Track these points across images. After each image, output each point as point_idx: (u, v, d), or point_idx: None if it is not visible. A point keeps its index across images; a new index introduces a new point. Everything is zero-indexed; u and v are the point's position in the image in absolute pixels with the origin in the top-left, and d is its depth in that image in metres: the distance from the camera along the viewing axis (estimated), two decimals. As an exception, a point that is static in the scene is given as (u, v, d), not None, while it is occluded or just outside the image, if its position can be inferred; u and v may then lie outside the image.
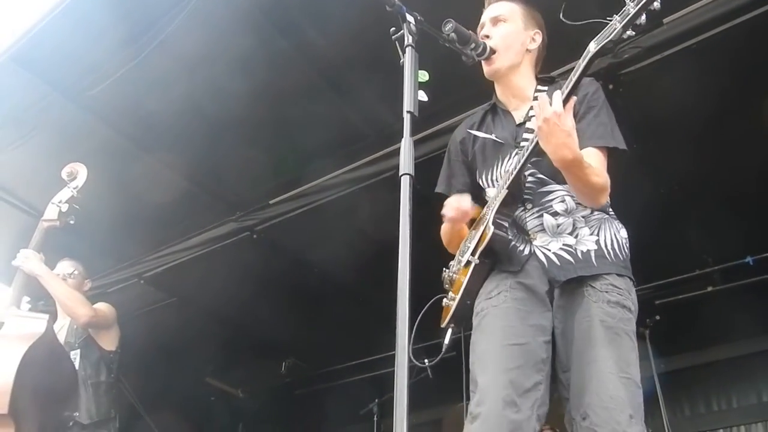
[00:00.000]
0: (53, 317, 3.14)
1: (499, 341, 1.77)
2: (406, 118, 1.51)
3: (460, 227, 2.03)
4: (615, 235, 1.87)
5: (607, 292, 1.76)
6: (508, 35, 2.01)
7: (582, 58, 1.69)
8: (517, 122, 2.01)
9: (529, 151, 1.78)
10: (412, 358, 1.88)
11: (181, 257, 4.50)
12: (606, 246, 1.83)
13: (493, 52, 1.96)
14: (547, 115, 1.65)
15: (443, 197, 2.06)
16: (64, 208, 2.97)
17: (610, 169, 1.86)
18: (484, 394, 1.71)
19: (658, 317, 3.98)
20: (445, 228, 2.08)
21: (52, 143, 3.76)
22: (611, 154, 1.87)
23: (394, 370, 1.20)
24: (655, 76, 3.06)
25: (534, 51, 2.07)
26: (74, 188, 3.02)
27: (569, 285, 1.79)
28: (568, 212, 1.87)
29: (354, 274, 4.60)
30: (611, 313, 1.73)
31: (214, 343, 5.43)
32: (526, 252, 1.87)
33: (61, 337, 3.27)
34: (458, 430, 4.41)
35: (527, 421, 1.67)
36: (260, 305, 4.96)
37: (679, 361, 4.31)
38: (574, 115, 1.76)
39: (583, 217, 1.87)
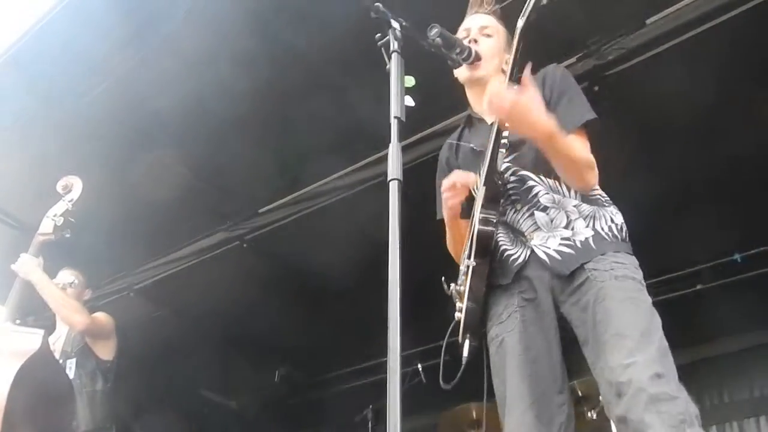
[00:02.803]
0: (50, 330, 3.12)
1: (519, 373, 1.78)
2: (394, 123, 1.51)
3: (458, 228, 2.01)
4: (611, 220, 1.85)
5: (612, 269, 1.73)
6: (493, 48, 2.03)
7: (515, 36, 1.71)
8: (490, 122, 1.99)
9: (492, 140, 1.78)
10: (442, 381, 1.89)
11: (171, 268, 4.48)
12: (603, 230, 1.82)
13: (478, 58, 1.97)
14: (507, 108, 1.68)
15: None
16: (59, 221, 2.95)
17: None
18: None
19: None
20: (448, 235, 2.07)
21: (35, 155, 3.72)
22: (589, 129, 1.87)
23: (386, 376, 1.20)
24: (640, 76, 3.09)
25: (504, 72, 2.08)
26: (69, 201, 2.99)
27: (574, 277, 1.76)
28: (557, 204, 1.85)
29: (345, 281, 4.58)
30: (621, 287, 1.70)
31: (206, 354, 5.39)
32: (521, 259, 1.85)
33: (58, 346, 3.27)
34: (453, 434, 4.40)
35: None
36: (252, 315, 4.94)
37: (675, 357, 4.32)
38: (547, 104, 1.78)
39: (575, 207, 1.85)
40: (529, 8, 1.67)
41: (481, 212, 1.81)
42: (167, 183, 3.99)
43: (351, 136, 3.61)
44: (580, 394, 3.75)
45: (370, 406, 5.00)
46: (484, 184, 1.80)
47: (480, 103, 2.07)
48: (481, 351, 1.91)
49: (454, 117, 3.32)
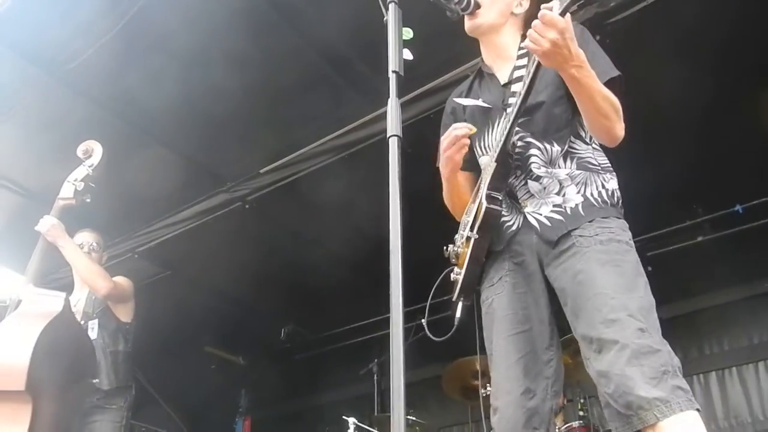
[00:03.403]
0: (68, 290, 3.16)
1: (505, 333, 1.82)
2: (392, 78, 1.48)
3: (456, 181, 1.99)
4: (602, 185, 1.84)
5: (597, 234, 1.74)
6: None
7: None
8: (502, 83, 1.97)
9: (513, 116, 1.75)
10: (428, 332, 1.93)
11: (175, 230, 4.50)
12: (593, 196, 1.81)
13: (477, 6, 1.90)
14: (553, 37, 1.55)
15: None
16: (80, 186, 2.96)
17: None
18: (498, 387, 1.81)
19: (650, 268, 4.01)
20: (444, 188, 2.04)
21: (34, 120, 3.70)
22: (617, 86, 1.78)
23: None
24: (642, 23, 3.02)
25: (521, 15, 2.00)
26: (89, 166, 3.00)
27: (562, 244, 1.77)
28: (548, 171, 1.84)
29: (348, 240, 4.62)
30: (605, 250, 1.71)
31: (212, 314, 5.47)
32: (515, 226, 1.87)
33: (79, 308, 3.32)
34: (457, 385, 4.51)
35: (542, 404, 1.74)
36: (256, 275, 4.98)
37: (671, 309, 4.37)
38: None
39: (567, 175, 1.83)
40: None
41: (488, 189, 1.81)
42: (168, 147, 3.99)
43: (340, 100, 3.59)
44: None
45: (375, 360, 5.10)
46: (496, 161, 1.80)
47: (489, 56, 2.03)
48: (473, 309, 1.96)
49: (454, 71, 3.29)
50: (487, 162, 1.88)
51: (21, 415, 2.22)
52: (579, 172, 1.84)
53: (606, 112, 1.70)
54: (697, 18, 2.98)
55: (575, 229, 1.76)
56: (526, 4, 2.00)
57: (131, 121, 3.78)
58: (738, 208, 4.22)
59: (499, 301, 1.87)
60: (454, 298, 1.94)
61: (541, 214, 1.82)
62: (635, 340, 1.55)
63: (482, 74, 2.06)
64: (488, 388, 3.90)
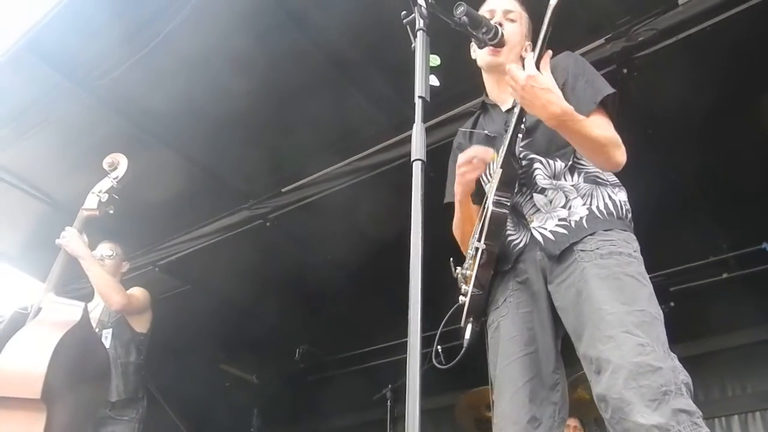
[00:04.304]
0: (87, 299, 3.21)
1: (511, 356, 1.78)
2: (418, 103, 1.49)
3: (468, 207, 2.00)
4: (609, 197, 1.82)
5: (597, 248, 1.69)
6: (515, 35, 2.01)
7: (548, 9, 1.66)
8: (505, 110, 2.02)
9: (513, 123, 1.76)
10: (435, 360, 1.92)
11: (195, 245, 4.53)
12: (598, 208, 1.79)
13: (501, 44, 1.93)
14: (522, 83, 1.66)
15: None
16: (104, 198, 3.00)
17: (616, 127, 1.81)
18: (503, 416, 1.74)
19: (672, 304, 3.95)
20: (456, 217, 2.06)
21: (63, 132, 3.78)
22: (610, 104, 1.82)
23: (406, 356, 1.20)
24: (669, 59, 3.01)
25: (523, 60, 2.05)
26: (114, 179, 3.05)
27: (564, 259, 1.74)
28: (552, 183, 1.84)
29: (367, 262, 4.60)
30: (605, 264, 1.66)
31: (228, 330, 5.47)
32: (521, 244, 1.86)
33: (95, 316, 3.36)
34: (470, 415, 4.44)
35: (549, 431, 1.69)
36: (274, 293, 4.99)
37: (693, 347, 4.28)
38: (563, 89, 1.76)
39: (573, 186, 1.83)
40: None
41: (495, 194, 1.80)
42: (192, 162, 4.04)
43: (365, 122, 3.61)
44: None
45: (389, 386, 5.05)
46: (501, 167, 1.79)
47: (496, 90, 2.07)
48: (482, 335, 1.92)
49: (472, 101, 3.31)
50: (493, 174, 1.88)
51: (35, 423, 2.23)
52: (585, 184, 1.84)
53: (599, 149, 1.74)
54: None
55: (577, 243, 1.73)
56: (528, 50, 2.06)
57: (156, 134, 3.84)
58: (765, 246, 4.14)
59: (504, 323, 1.84)
60: (462, 323, 1.91)
61: (546, 229, 1.80)
62: (632, 359, 1.46)
63: (485, 107, 2.11)
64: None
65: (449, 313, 1.96)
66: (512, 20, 2.02)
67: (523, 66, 1.71)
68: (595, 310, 1.59)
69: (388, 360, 5.46)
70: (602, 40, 2.99)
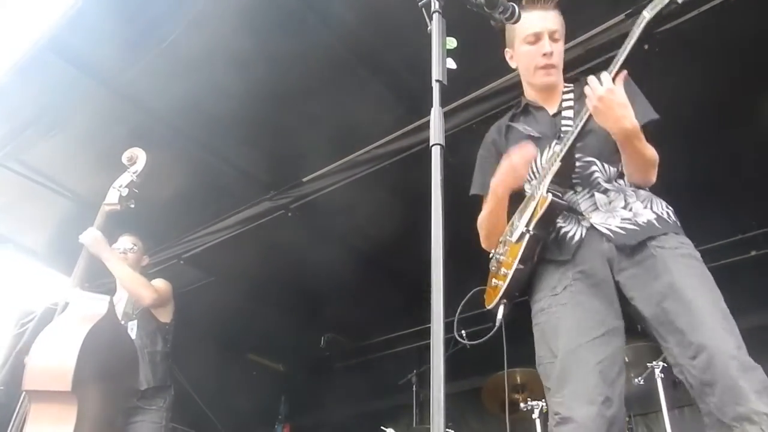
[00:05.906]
0: (111, 293, 3.27)
1: (578, 340, 1.81)
2: (435, 87, 1.47)
3: (506, 201, 2.03)
4: (666, 206, 1.95)
5: (677, 248, 1.82)
6: (561, 54, 2.13)
7: (636, 25, 1.78)
8: (552, 113, 2.10)
9: (580, 125, 1.86)
10: (459, 337, 2.03)
11: (219, 237, 4.58)
12: (663, 214, 1.91)
13: (553, 66, 2.08)
14: (601, 93, 1.77)
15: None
16: (125, 192, 3.04)
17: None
18: (574, 396, 1.75)
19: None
20: (489, 208, 2.08)
21: (86, 129, 3.83)
22: (651, 128, 1.93)
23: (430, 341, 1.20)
24: (692, 33, 2.94)
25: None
26: (134, 173, 3.09)
27: (637, 251, 1.83)
28: (614, 186, 1.94)
29: (390, 249, 4.61)
30: (689, 264, 1.80)
31: (254, 321, 5.53)
32: (578, 237, 1.91)
33: (120, 308, 3.40)
34: (497, 398, 4.44)
35: (619, 412, 1.74)
36: (297, 281, 5.02)
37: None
38: None
39: (633, 191, 1.94)
40: (663, 4, 1.75)
41: (551, 186, 1.89)
42: (213, 154, 4.07)
43: (384, 108, 3.59)
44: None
45: (414, 371, 5.07)
46: (561, 160, 1.89)
47: (540, 97, 2.17)
48: (509, 322, 1.96)
49: (490, 84, 3.27)
50: (546, 166, 1.97)
51: (67, 415, 2.28)
52: (642, 191, 1.96)
53: (647, 167, 1.91)
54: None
55: (652, 240, 1.83)
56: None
57: (177, 128, 3.87)
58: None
59: (564, 310, 1.87)
60: (493, 304, 1.97)
61: (611, 225, 1.89)
62: (739, 354, 1.61)
63: (527, 109, 2.18)
64: (529, 402, 3.83)
65: (468, 295, 2.04)
66: (557, 40, 2.10)
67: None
68: (694, 309, 1.70)
69: (412, 345, 5.48)
70: (622, 16, 2.92)
